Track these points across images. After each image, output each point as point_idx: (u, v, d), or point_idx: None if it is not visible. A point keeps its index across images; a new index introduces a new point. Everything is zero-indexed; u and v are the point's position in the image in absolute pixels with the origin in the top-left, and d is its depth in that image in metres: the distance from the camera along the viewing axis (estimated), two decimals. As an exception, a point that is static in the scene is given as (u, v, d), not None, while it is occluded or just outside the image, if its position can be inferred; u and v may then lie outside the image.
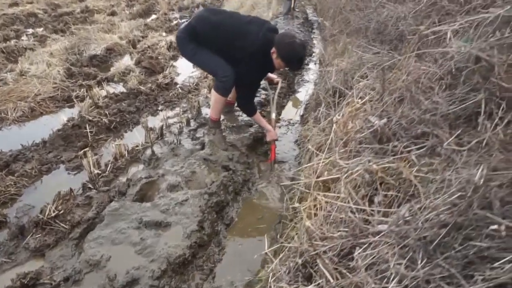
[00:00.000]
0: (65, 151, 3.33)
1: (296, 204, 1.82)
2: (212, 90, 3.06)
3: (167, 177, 2.64)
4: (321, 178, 1.74)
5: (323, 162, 1.97)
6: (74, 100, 4.23)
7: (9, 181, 2.74)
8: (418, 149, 1.65)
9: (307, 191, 2.01)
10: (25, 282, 1.88)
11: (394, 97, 1.80)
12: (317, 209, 1.76)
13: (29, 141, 3.34)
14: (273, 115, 3.22)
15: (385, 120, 1.69)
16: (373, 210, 1.55)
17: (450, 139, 1.58)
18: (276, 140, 3.09)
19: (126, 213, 2.31)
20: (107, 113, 3.80)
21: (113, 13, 8.96)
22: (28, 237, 2.22)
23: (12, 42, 6.30)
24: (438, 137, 1.64)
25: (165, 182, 2.58)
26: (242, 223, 2.47)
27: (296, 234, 1.71)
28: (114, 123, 3.72)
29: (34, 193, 2.74)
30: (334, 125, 2.04)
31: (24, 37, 7.06)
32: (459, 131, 1.65)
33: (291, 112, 3.85)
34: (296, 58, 2.75)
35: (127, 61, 5.97)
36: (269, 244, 2.01)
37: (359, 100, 2.09)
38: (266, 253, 1.78)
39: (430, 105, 1.65)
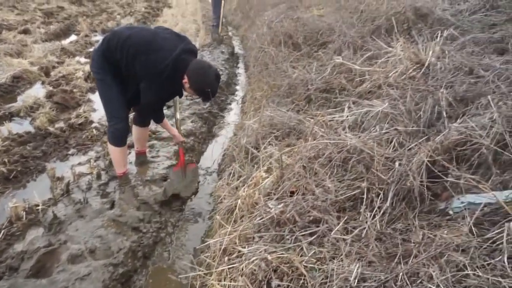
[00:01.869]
0: (-50, 208, 2.94)
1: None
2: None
3: (70, 245, 2.47)
4: (219, 268, 1.78)
5: (228, 237, 2.02)
6: (-33, 142, 3.78)
7: None
8: (310, 234, 1.78)
9: (212, 263, 2.05)
10: None
11: (291, 183, 1.94)
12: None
13: None
14: (177, 115, 3.18)
15: (281, 206, 1.80)
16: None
17: (337, 227, 1.74)
18: (183, 142, 3.18)
19: (16, 294, 2.11)
20: (5, 160, 3.45)
21: (26, 31, 8.25)
22: None
23: None
24: (328, 223, 1.80)
25: (67, 251, 2.41)
26: (150, 292, 2.40)
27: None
28: (14, 172, 3.40)
29: None
30: (239, 200, 2.11)
31: None
32: (346, 217, 1.82)
33: (209, 160, 3.87)
34: (208, 92, 2.63)
35: (37, 91, 5.52)
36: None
37: (264, 174, 2.20)
38: None
39: (321, 194, 1.80)
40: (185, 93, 2.93)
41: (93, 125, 4.47)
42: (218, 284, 1.70)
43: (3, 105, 4.87)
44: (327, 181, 1.91)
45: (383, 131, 1.92)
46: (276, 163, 2.28)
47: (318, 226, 1.80)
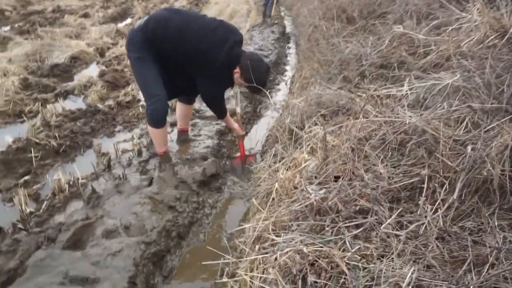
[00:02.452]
0: (5, 177, 3.09)
1: (225, 279, 1.66)
2: None
3: (106, 220, 2.44)
4: (249, 258, 1.60)
5: (262, 223, 1.83)
6: (25, 117, 3.97)
7: None
8: (356, 227, 1.53)
9: (246, 249, 1.87)
10: None
11: (335, 166, 1.68)
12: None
13: (-35, 166, 3.09)
14: (238, 109, 3.21)
15: (322, 192, 1.56)
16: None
17: (389, 220, 1.47)
18: (243, 135, 3.22)
19: (52, 265, 2.10)
20: (56, 135, 3.56)
21: (85, 15, 8.62)
22: None
23: (-29, 44, 5.99)
24: (377, 215, 1.53)
25: (103, 226, 2.38)
26: (182, 274, 2.30)
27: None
28: (64, 146, 3.49)
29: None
30: (277, 183, 1.90)
31: (-15, 38, 6.68)
32: (400, 209, 1.53)
33: (253, 141, 3.69)
34: (260, 84, 2.64)
35: (93, 70, 5.72)
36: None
37: (306, 155, 1.96)
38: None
39: (372, 180, 1.52)
40: None
41: (140, 103, 4.49)
42: (245, 275, 1.52)
43: (61, 84, 5.08)
44: (379, 166, 1.62)
45: (453, 109, 1.58)
46: (320, 143, 2.02)
47: (365, 218, 1.54)
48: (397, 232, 1.43)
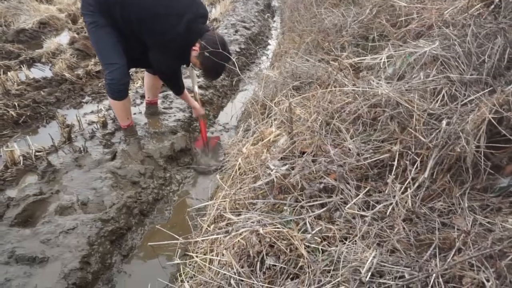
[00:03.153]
0: (-42, 148, 2.86)
1: (178, 260, 1.53)
2: None
3: (62, 195, 2.27)
4: (201, 238, 1.46)
5: (220, 201, 1.70)
6: (-18, 84, 3.68)
7: None
8: (321, 206, 1.40)
9: (208, 228, 1.74)
10: None
11: (301, 139, 1.53)
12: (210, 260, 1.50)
13: None
14: (196, 88, 2.98)
15: (285, 169, 1.42)
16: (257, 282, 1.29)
17: (354, 200, 1.34)
18: (203, 115, 2.99)
19: (-3, 243, 1.94)
20: (16, 104, 3.31)
21: (60, -21, 8.08)
22: None
23: None
24: (343, 194, 1.40)
25: (57, 202, 2.21)
26: (144, 253, 2.17)
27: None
28: (24, 116, 3.26)
29: None
30: (240, 159, 1.75)
31: None
32: (368, 187, 1.41)
33: (228, 115, 3.53)
34: (214, 72, 2.51)
35: (64, 38, 5.37)
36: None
37: (273, 129, 1.81)
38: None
39: (338, 156, 1.39)
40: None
41: (112, 73, 4.23)
42: (198, 257, 1.39)
43: (27, 51, 4.75)
44: (348, 141, 1.48)
45: (429, 79, 1.44)
46: (286, 115, 1.87)
47: (330, 197, 1.41)
48: (363, 213, 1.31)
